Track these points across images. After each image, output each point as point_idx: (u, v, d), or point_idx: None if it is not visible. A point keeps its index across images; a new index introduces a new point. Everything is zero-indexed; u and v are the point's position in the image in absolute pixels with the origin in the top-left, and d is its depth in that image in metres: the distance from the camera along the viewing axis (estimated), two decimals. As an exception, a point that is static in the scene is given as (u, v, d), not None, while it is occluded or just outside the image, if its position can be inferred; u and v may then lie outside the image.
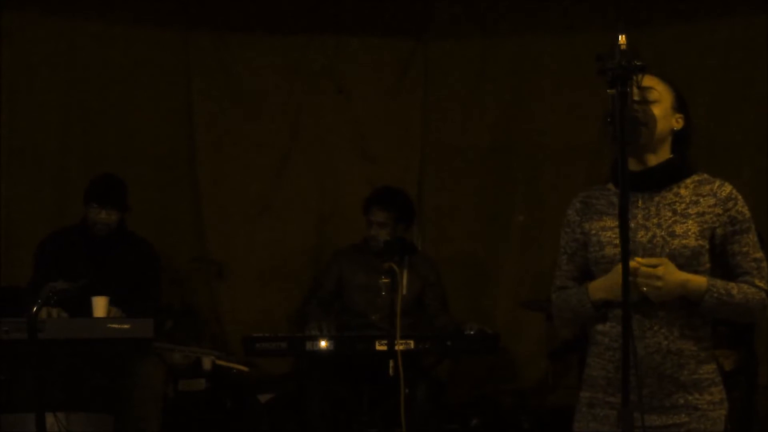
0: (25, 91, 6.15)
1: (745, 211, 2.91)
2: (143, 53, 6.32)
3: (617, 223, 2.88)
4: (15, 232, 6.04)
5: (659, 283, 2.76)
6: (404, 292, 5.41)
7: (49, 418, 4.18)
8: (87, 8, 6.17)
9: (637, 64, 2.61)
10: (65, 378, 4.90)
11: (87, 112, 6.27)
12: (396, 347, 4.83)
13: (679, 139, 2.98)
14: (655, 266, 2.77)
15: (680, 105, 2.98)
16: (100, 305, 4.86)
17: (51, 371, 4.75)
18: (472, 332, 5.28)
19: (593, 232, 2.95)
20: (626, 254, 2.61)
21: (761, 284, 2.87)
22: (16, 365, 4.79)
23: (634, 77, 2.64)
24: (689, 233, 2.85)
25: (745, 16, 6.03)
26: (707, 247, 2.86)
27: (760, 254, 2.90)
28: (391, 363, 4.78)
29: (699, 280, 2.81)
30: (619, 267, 2.72)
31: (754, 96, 6.05)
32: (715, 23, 6.14)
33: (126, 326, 4.65)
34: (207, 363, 5.46)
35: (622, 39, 2.61)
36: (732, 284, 2.84)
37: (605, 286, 2.86)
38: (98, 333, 4.66)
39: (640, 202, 2.90)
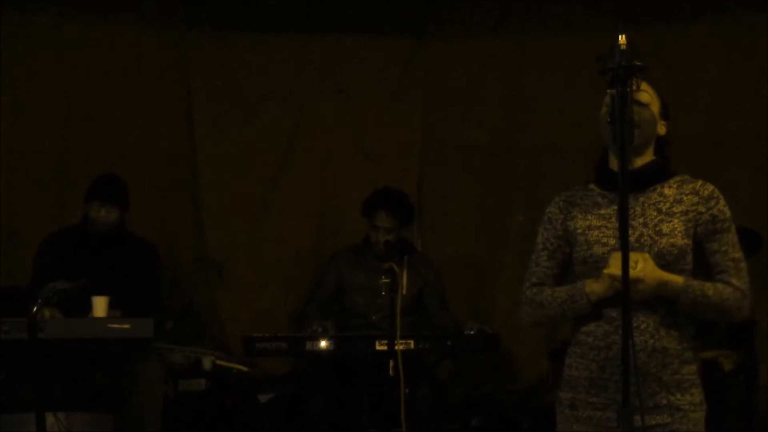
0: (25, 91, 6.15)
1: (726, 210, 2.94)
2: (143, 53, 6.32)
3: (603, 222, 2.93)
4: (15, 232, 6.04)
5: (640, 286, 2.78)
6: (404, 292, 5.41)
7: (49, 418, 4.19)
8: (87, 9, 6.17)
9: (637, 64, 2.61)
10: (65, 378, 4.90)
11: (87, 112, 6.26)
12: (396, 347, 4.83)
13: (660, 145, 3.03)
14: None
15: (665, 113, 3.03)
16: (100, 305, 4.86)
17: (51, 371, 4.75)
18: (472, 332, 5.28)
19: (579, 231, 2.96)
20: (626, 253, 2.61)
21: (738, 283, 2.89)
22: (16, 365, 4.79)
23: (634, 77, 2.64)
24: (676, 232, 2.88)
25: (745, 16, 6.03)
26: (691, 245, 2.90)
27: (738, 254, 2.93)
28: (391, 363, 4.78)
29: (676, 281, 2.83)
30: (606, 275, 2.79)
31: (754, 96, 6.05)
32: (715, 23, 6.14)
33: (126, 326, 4.65)
34: (207, 363, 5.46)
35: (622, 39, 2.61)
36: (708, 285, 2.87)
37: (603, 290, 2.86)
38: (98, 333, 4.67)
39: None
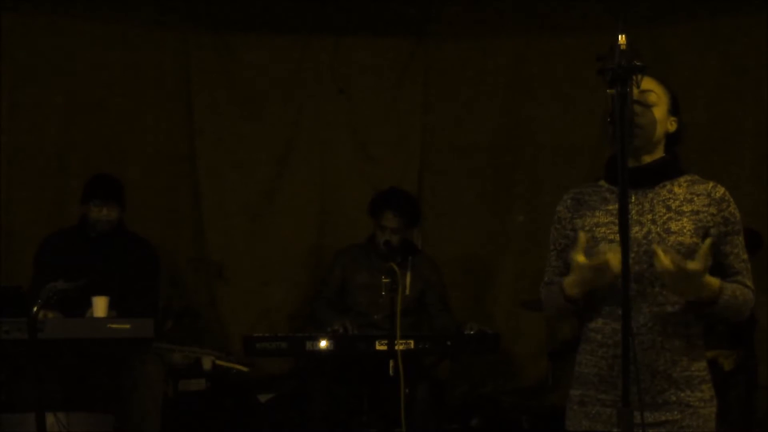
0: (25, 91, 6.15)
1: (737, 213, 2.94)
2: (143, 53, 6.32)
3: (610, 218, 2.91)
4: (15, 232, 6.05)
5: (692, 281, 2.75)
6: (406, 292, 5.42)
7: (49, 418, 4.18)
8: (87, 8, 6.17)
9: (637, 64, 2.61)
10: (65, 378, 4.90)
11: (87, 112, 6.27)
12: (396, 347, 4.83)
13: (670, 140, 3.01)
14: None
15: (675, 107, 3.01)
16: (100, 305, 4.86)
17: (51, 371, 4.75)
18: (472, 332, 5.28)
19: (586, 228, 2.95)
20: (626, 253, 2.60)
21: (750, 285, 2.92)
22: (16, 365, 4.79)
23: (634, 77, 2.63)
24: (684, 230, 2.87)
25: (746, 16, 6.03)
26: (701, 245, 2.87)
27: (746, 255, 2.95)
28: (391, 363, 4.78)
29: (714, 282, 2.82)
30: (580, 264, 2.77)
31: (754, 95, 6.05)
32: (716, 23, 6.14)
33: (126, 326, 4.65)
34: (207, 363, 5.46)
35: (622, 39, 2.61)
36: (735, 286, 2.87)
37: (577, 281, 2.84)
38: (98, 333, 4.67)
39: (633, 198, 2.92)
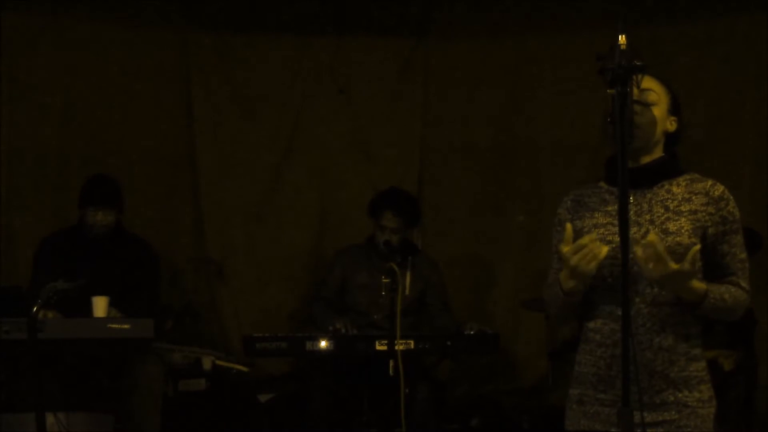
0: (25, 91, 6.15)
1: (736, 212, 2.93)
2: (143, 53, 6.32)
3: (609, 219, 2.91)
4: (15, 232, 6.05)
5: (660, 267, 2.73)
6: (407, 292, 5.42)
7: (49, 418, 4.19)
8: (87, 8, 6.17)
9: (637, 64, 2.61)
10: (65, 378, 4.90)
11: (87, 112, 6.27)
12: (396, 347, 4.83)
13: (670, 140, 3.01)
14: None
15: (675, 107, 3.00)
16: (100, 305, 4.86)
17: (51, 371, 4.75)
18: (472, 332, 5.29)
19: (585, 229, 2.95)
20: (626, 254, 2.60)
21: (745, 285, 2.91)
22: (16, 365, 4.79)
23: (634, 77, 2.63)
24: (682, 230, 2.86)
25: (745, 16, 6.03)
26: (699, 245, 2.87)
27: (744, 254, 2.93)
28: (391, 363, 4.78)
29: (699, 286, 2.81)
30: (564, 254, 2.78)
31: (754, 95, 6.05)
32: (716, 23, 6.14)
33: (126, 326, 4.65)
34: (207, 363, 5.46)
35: (622, 39, 2.61)
36: (723, 289, 2.86)
37: (567, 272, 2.84)
38: (98, 333, 4.67)
39: (631, 199, 2.91)
